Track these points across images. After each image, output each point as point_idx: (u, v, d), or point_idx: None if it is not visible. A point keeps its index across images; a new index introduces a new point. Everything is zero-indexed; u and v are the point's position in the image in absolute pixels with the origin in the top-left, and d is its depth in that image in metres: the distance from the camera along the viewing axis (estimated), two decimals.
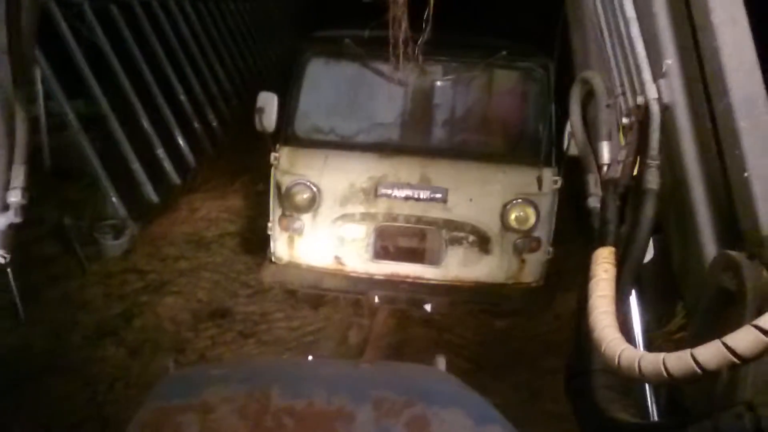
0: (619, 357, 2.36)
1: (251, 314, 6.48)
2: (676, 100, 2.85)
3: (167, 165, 8.67)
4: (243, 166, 8.59)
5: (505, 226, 6.14)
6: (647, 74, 2.97)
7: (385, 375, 2.80)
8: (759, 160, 2.41)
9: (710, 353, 1.99)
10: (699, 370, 2.01)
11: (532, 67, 6.49)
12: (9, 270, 3.94)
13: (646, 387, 3.12)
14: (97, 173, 7.52)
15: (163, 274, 7.05)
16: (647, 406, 3.09)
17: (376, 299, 6.22)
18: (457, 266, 6.22)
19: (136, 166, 8.03)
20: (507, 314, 6.63)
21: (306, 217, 6.20)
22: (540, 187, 6.08)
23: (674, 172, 2.86)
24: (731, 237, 2.55)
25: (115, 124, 8.02)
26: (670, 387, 2.87)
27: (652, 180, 2.84)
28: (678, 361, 2.10)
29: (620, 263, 2.89)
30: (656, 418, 3.08)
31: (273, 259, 6.46)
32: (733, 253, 2.29)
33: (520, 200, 6.10)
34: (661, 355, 2.17)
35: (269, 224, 6.41)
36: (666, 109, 2.90)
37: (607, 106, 3.38)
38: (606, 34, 3.39)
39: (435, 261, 6.22)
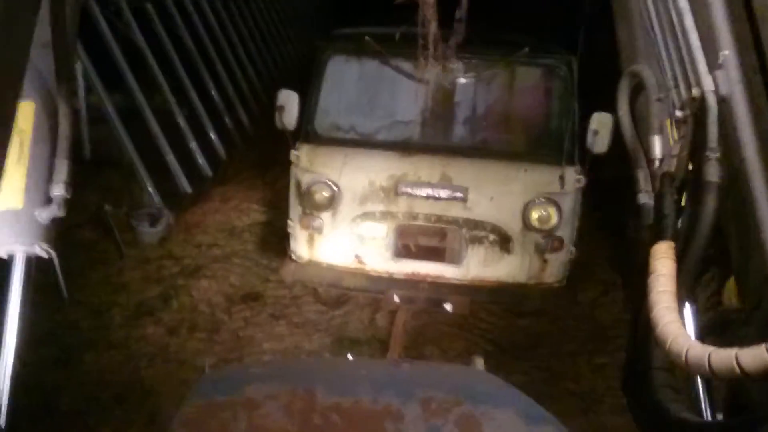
0: (686, 353, 2.30)
1: (281, 298, 6.59)
2: (734, 91, 2.79)
3: (200, 157, 8.79)
4: (272, 160, 8.50)
5: (526, 225, 5.98)
6: (703, 66, 2.91)
7: (428, 374, 2.79)
8: None
9: None
10: None
11: (556, 64, 6.29)
12: (53, 253, 3.61)
13: (699, 385, 3.04)
14: (134, 164, 7.68)
15: (198, 259, 7.28)
16: (701, 405, 3.03)
17: (396, 298, 6.07)
18: (477, 266, 6.08)
19: (171, 157, 8.16)
20: (529, 314, 6.38)
21: (326, 216, 6.09)
22: (562, 185, 5.89)
23: (732, 165, 2.78)
24: None
25: (151, 117, 8.15)
26: (734, 386, 2.78)
27: (713, 173, 2.76)
28: (753, 357, 2.03)
29: (680, 258, 2.82)
30: (709, 417, 3.01)
31: (293, 257, 6.39)
32: None
33: (542, 199, 5.94)
34: (734, 350, 2.11)
35: (289, 222, 6.31)
36: (723, 101, 2.83)
37: (658, 99, 3.33)
38: (657, 26, 3.34)
39: (455, 260, 6.09)
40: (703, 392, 3.05)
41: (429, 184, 5.96)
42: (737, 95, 2.78)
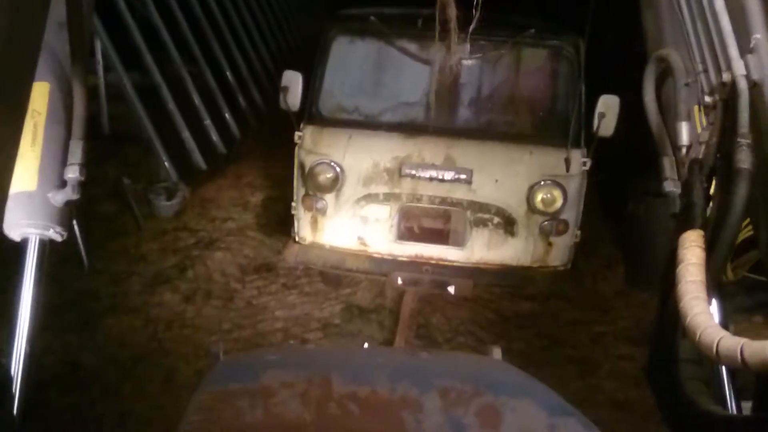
0: (717, 345, 2.23)
1: (294, 269, 6.64)
2: (766, 76, 2.72)
3: (214, 135, 8.74)
4: (285, 138, 8.47)
5: (531, 208, 5.82)
6: (734, 50, 2.82)
7: (446, 364, 2.75)
8: None
9: None
10: None
11: (562, 45, 6.08)
12: (75, 223, 3.74)
13: (725, 378, 2.98)
14: (151, 139, 7.67)
15: (212, 232, 7.44)
16: (726, 397, 2.97)
17: (399, 281, 5.93)
18: (481, 248, 5.94)
19: (186, 134, 8.14)
20: (533, 298, 6.29)
21: (329, 197, 5.97)
22: (568, 168, 5.70)
23: (762, 152, 2.71)
24: None
25: (168, 95, 8.12)
26: (764, 378, 2.70)
27: (744, 159, 2.68)
28: None
29: (710, 247, 2.75)
30: (734, 410, 2.95)
31: (297, 239, 6.27)
32: None
33: (547, 182, 5.77)
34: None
35: (293, 204, 6.20)
36: (754, 86, 2.74)
37: (686, 85, 3.21)
38: (685, 9, 3.23)
39: (459, 243, 5.94)
40: (728, 384, 3.00)
41: (433, 166, 5.82)
42: None
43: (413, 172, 5.80)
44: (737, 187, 2.67)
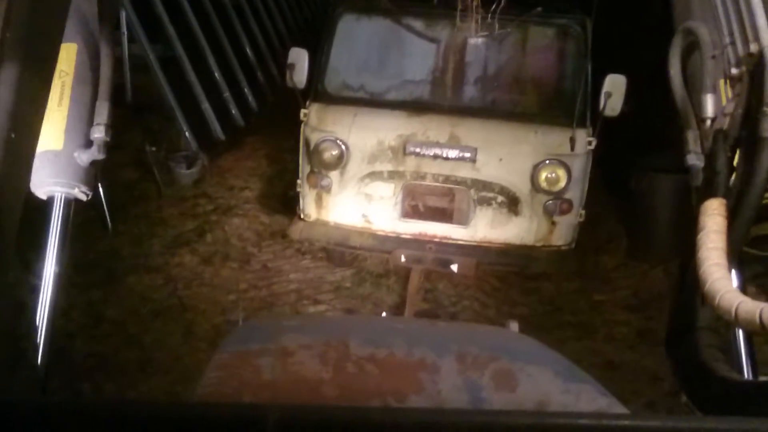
0: (736, 309, 2.22)
1: None
2: None
3: (233, 108, 8.84)
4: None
5: (535, 187, 5.69)
6: (762, 20, 2.80)
7: (464, 332, 2.73)
8: None
9: None
10: None
11: (569, 24, 5.90)
12: (100, 187, 3.73)
13: (741, 345, 2.96)
14: (172, 110, 7.76)
15: (230, 200, 7.61)
16: (741, 364, 2.95)
17: (403, 258, 5.84)
18: (485, 227, 5.82)
19: (206, 106, 8.23)
20: (537, 277, 6.33)
21: (334, 175, 5.87)
22: (573, 147, 5.58)
23: None
24: None
25: (188, 67, 8.20)
26: None
27: None
28: None
29: (732, 215, 2.75)
30: (750, 377, 2.92)
31: (302, 215, 6.15)
32: None
33: (551, 161, 5.65)
34: None
35: (298, 181, 6.09)
36: None
37: (713, 57, 3.16)
38: None
39: (463, 221, 5.82)
40: (745, 351, 2.96)
41: (437, 144, 5.70)
42: None
43: (418, 150, 5.71)
44: (761, 156, 2.68)
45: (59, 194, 3.27)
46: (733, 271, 2.78)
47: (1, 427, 1.30)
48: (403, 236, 5.93)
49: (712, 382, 2.71)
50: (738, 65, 2.94)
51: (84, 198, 3.34)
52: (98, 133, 3.22)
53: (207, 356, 4.79)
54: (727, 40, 3.05)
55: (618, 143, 6.97)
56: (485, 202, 5.80)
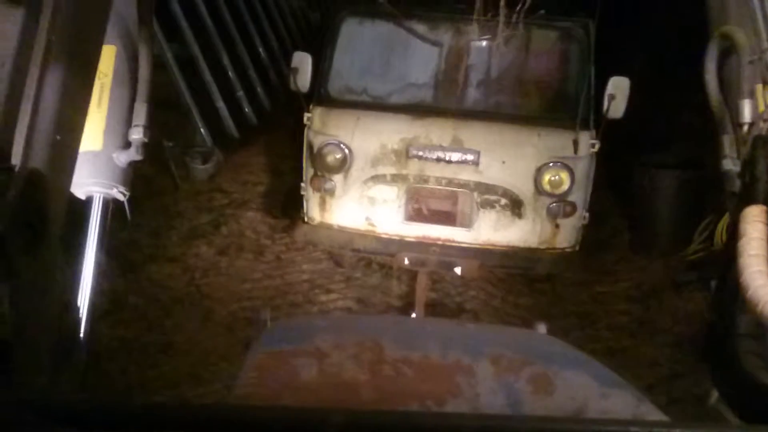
0: None
1: None
2: None
3: (246, 106, 8.90)
4: None
5: (538, 189, 5.61)
6: None
7: (495, 335, 2.73)
8: None
9: None
10: None
11: (572, 26, 5.79)
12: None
13: None
14: (188, 107, 7.84)
15: (244, 194, 7.72)
16: None
17: (406, 261, 5.76)
18: (488, 229, 5.75)
19: (221, 104, 8.30)
20: (541, 279, 6.23)
21: (337, 178, 5.81)
22: (576, 150, 5.52)
23: None
24: None
25: (204, 67, 8.27)
26: None
27: None
28: None
29: None
30: None
31: (306, 219, 6.09)
32: None
33: (554, 164, 5.57)
34: None
35: (302, 185, 6.01)
36: None
37: (750, 62, 3.13)
38: None
39: (466, 224, 5.74)
40: None
41: (440, 147, 5.63)
42: None
43: (421, 153, 5.64)
44: None
45: (98, 194, 3.36)
46: None
47: (56, 423, 1.31)
48: (407, 239, 5.86)
49: (753, 389, 2.70)
50: None
51: (122, 198, 3.46)
52: (136, 134, 3.32)
53: (225, 340, 5.09)
54: (766, 44, 3.02)
55: (620, 140, 7.23)
56: (488, 204, 5.73)
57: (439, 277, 6.38)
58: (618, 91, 5.38)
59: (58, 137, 2.11)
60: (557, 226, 5.82)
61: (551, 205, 5.72)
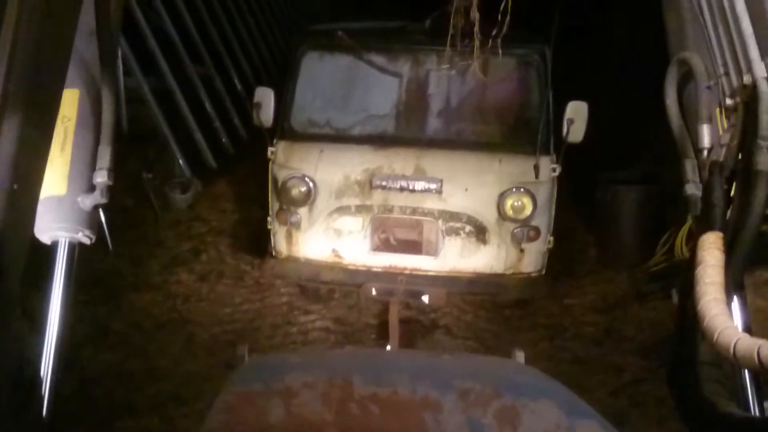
0: (734, 346, 2.22)
1: None
2: None
3: (223, 136, 8.93)
4: None
5: (501, 215, 5.54)
6: (754, 52, 2.80)
7: (468, 366, 2.71)
8: None
9: None
10: None
11: (528, 53, 5.74)
12: (101, 210, 3.64)
13: (747, 380, 2.90)
14: (167, 139, 7.86)
15: (223, 222, 7.78)
16: (748, 400, 2.91)
17: (373, 291, 5.63)
18: (454, 257, 5.66)
19: (198, 135, 8.29)
20: (509, 305, 6.26)
21: (302, 211, 5.71)
22: (537, 175, 5.44)
23: None
24: None
25: (181, 99, 8.31)
26: None
27: (764, 161, 2.66)
28: None
29: (729, 248, 2.72)
30: (756, 413, 2.89)
31: (273, 253, 5.99)
32: None
33: (516, 189, 5.53)
34: None
35: (269, 218, 5.96)
36: None
37: (708, 87, 3.16)
38: (707, 12, 3.18)
39: (432, 252, 5.65)
40: (750, 386, 2.92)
41: (403, 177, 5.55)
42: None
43: (384, 183, 5.56)
44: (757, 189, 2.68)
45: (63, 239, 3.30)
46: (735, 302, 2.78)
47: None
48: (374, 269, 5.73)
49: (713, 417, 2.69)
50: (733, 96, 2.93)
51: (87, 242, 3.36)
52: (101, 178, 3.29)
53: (207, 362, 5.26)
54: (722, 70, 3.02)
55: (584, 159, 7.54)
56: (453, 232, 5.66)
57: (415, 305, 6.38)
58: (577, 115, 5.37)
59: (16, 186, 2.05)
60: (522, 251, 5.76)
61: (515, 231, 5.67)
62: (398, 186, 5.59)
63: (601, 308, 6.31)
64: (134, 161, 8.00)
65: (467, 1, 5.04)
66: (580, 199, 7.62)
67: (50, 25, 2.35)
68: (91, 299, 6.14)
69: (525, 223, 5.65)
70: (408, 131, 5.87)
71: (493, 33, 4.98)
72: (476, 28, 5.05)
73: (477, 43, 5.20)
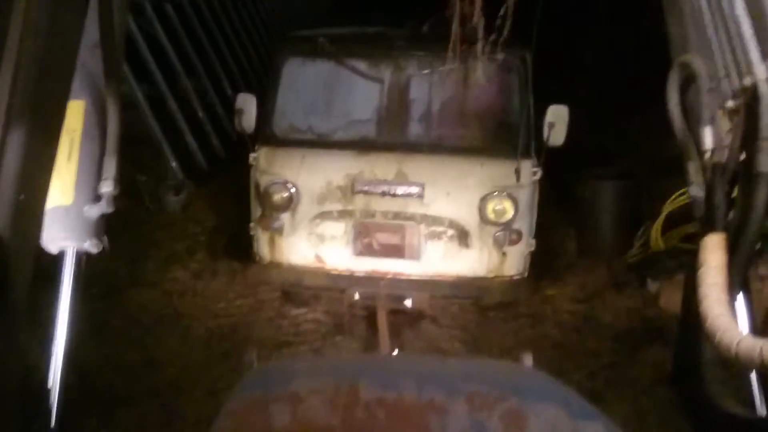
0: (736, 347, 2.22)
1: None
2: None
3: (214, 140, 8.95)
4: None
5: (483, 219, 5.47)
6: (755, 54, 2.79)
7: (474, 370, 2.65)
8: None
9: None
10: None
11: (509, 58, 5.59)
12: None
13: (753, 380, 2.90)
14: (159, 143, 7.90)
15: (217, 222, 7.87)
16: (754, 400, 2.90)
17: (357, 296, 5.56)
18: (437, 261, 5.58)
19: (190, 139, 8.36)
20: (492, 308, 6.15)
21: (285, 217, 5.65)
22: (518, 179, 5.38)
23: None
24: None
25: (173, 104, 8.36)
26: None
27: (766, 163, 2.66)
28: None
29: (731, 250, 2.71)
30: (763, 413, 2.89)
31: (257, 258, 5.90)
32: None
33: (497, 193, 5.46)
34: None
35: (251, 224, 5.86)
36: None
37: (710, 89, 3.15)
38: (707, 14, 3.15)
39: (415, 256, 5.56)
40: (757, 386, 2.92)
41: (385, 182, 5.46)
42: None
43: (366, 188, 5.50)
44: (758, 191, 2.68)
45: (70, 248, 3.32)
46: (741, 302, 2.79)
47: None
48: (357, 274, 5.66)
49: (717, 417, 2.70)
50: (734, 97, 2.91)
51: (94, 251, 3.39)
52: (107, 188, 3.33)
53: (203, 353, 5.64)
54: (723, 72, 3.02)
55: (565, 158, 7.79)
56: (435, 236, 5.58)
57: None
58: (557, 118, 5.34)
59: (22, 197, 2.06)
60: (504, 254, 5.69)
61: (497, 234, 5.59)
62: (380, 191, 5.54)
63: (581, 298, 6.38)
64: (128, 164, 8.17)
65: (469, 7, 4.97)
66: (561, 195, 7.74)
67: (55, 37, 2.35)
68: (89, 296, 6.28)
69: (507, 226, 5.62)
70: (390, 136, 5.77)
71: (477, 37, 5.06)
72: (479, 34, 5.11)
73: (480, 46, 5.25)
